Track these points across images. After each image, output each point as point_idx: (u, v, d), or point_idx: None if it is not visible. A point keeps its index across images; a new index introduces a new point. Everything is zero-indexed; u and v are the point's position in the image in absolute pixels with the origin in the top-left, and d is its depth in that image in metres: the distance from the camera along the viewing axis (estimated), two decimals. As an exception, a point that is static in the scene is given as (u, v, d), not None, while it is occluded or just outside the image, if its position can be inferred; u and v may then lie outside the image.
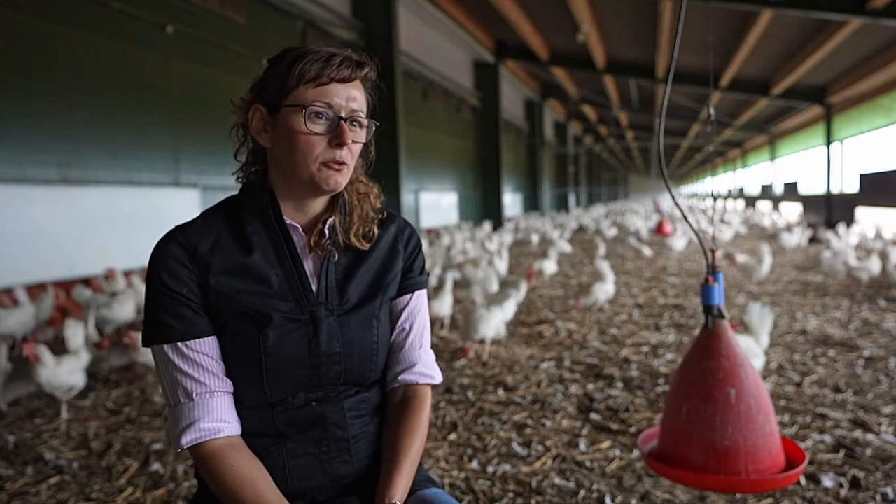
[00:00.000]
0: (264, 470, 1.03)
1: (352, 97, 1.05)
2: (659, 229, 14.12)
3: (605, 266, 6.34)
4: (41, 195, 5.20)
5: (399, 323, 1.19)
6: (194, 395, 1.02)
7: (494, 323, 4.53)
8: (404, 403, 1.16)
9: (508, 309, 4.92)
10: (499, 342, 4.91)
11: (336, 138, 1.03)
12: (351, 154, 1.06)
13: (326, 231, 1.11)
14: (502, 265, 7.60)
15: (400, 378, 1.17)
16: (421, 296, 1.22)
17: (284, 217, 1.09)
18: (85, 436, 3.21)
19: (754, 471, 1.60)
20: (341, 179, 1.06)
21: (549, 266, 7.97)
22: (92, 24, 5.76)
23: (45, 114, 5.35)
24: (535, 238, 12.57)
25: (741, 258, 7.88)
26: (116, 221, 5.89)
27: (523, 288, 5.50)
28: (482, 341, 4.59)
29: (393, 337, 1.18)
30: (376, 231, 1.16)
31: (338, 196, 1.14)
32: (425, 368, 1.19)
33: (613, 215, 23.83)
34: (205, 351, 1.03)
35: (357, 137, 1.07)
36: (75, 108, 5.62)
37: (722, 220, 14.85)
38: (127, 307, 4.71)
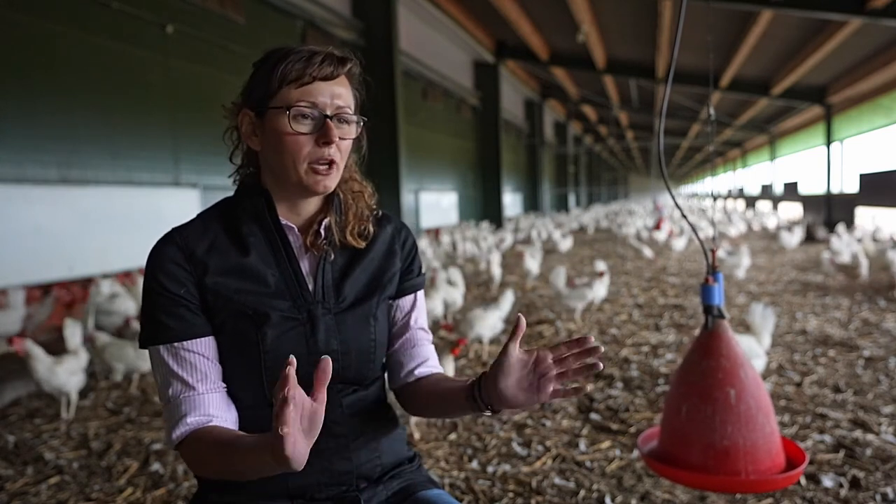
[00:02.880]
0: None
1: (336, 94, 1.05)
2: (657, 226, 14.20)
3: (601, 266, 6.38)
4: (41, 195, 5.20)
5: (410, 323, 1.22)
6: (182, 395, 1.03)
7: (490, 322, 4.55)
8: (431, 376, 1.20)
9: (505, 307, 4.94)
10: (498, 342, 4.91)
11: (323, 137, 1.03)
12: (340, 152, 1.07)
13: (322, 231, 1.12)
14: (496, 270, 7.58)
15: (416, 372, 1.21)
16: (421, 295, 1.26)
17: (280, 218, 1.10)
18: (85, 436, 3.21)
19: (754, 471, 1.59)
20: (329, 183, 1.06)
21: (533, 266, 8.00)
22: (92, 24, 5.76)
23: (45, 114, 5.34)
24: (535, 238, 12.56)
25: (720, 253, 7.93)
26: (116, 221, 5.88)
27: (597, 286, 5.53)
28: (480, 341, 4.60)
29: (406, 336, 1.22)
30: (372, 229, 1.17)
31: (332, 196, 1.14)
32: (436, 361, 1.25)
33: (613, 216, 23.81)
34: (200, 351, 1.04)
35: (345, 134, 1.08)
36: (75, 108, 5.62)
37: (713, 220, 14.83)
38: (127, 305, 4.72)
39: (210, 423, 1.02)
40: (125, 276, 5.69)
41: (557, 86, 19.75)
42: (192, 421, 1.02)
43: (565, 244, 11.65)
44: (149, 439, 3.11)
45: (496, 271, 7.49)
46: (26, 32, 5.20)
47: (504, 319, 4.94)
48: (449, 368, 3.02)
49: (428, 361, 1.23)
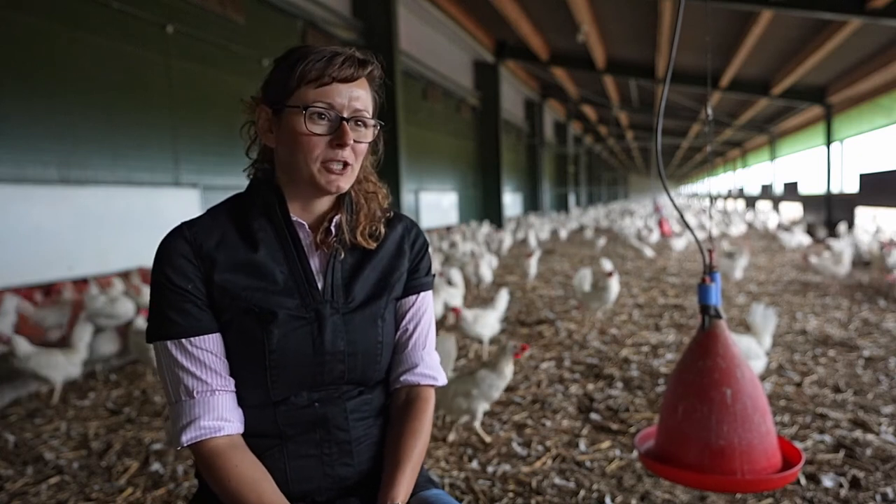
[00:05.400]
0: (266, 472, 1.04)
1: (355, 97, 1.05)
2: (660, 228, 14.22)
3: (586, 273, 6.43)
4: (41, 195, 5.20)
5: (403, 323, 1.18)
6: (195, 392, 1.02)
7: (490, 322, 4.56)
8: (407, 405, 1.16)
9: (501, 307, 4.95)
10: (498, 342, 4.91)
11: (337, 139, 1.03)
12: (354, 154, 1.06)
13: (333, 229, 1.11)
14: (486, 271, 7.53)
15: (402, 379, 1.17)
16: (426, 297, 1.22)
17: (291, 214, 1.09)
18: (85, 436, 3.21)
19: (750, 470, 1.60)
20: (343, 184, 1.06)
21: (531, 267, 8.02)
22: (92, 24, 5.75)
23: (45, 114, 5.34)
24: (532, 239, 12.54)
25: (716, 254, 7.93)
26: (116, 221, 5.88)
27: (614, 286, 5.53)
28: (480, 341, 4.60)
29: (396, 337, 1.18)
30: (383, 230, 1.16)
31: (344, 195, 1.14)
32: (428, 370, 1.19)
33: (613, 215, 23.82)
34: (208, 348, 1.03)
35: (361, 137, 1.07)
36: (75, 108, 5.62)
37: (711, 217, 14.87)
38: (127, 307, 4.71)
39: (224, 433, 1.02)
40: (123, 277, 5.69)
41: (557, 86, 19.73)
42: (207, 425, 1.01)
43: (600, 243, 11.79)
44: (149, 439, 3.12)
45: (486, 272, 7.39)
46: (26, 32, 5.20)
47: (500, 319, 4.94)
48: (508, 370, 2.96)
49: (416, 369, 1.18)
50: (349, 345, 1.08)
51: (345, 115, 1.04)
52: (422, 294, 1.21)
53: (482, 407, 2.96)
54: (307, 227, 1.10)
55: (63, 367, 3.67)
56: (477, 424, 3.02)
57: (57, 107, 5.45)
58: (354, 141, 1.05)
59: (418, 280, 1.20)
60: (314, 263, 1.10)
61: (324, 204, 1.12)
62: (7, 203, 4.93)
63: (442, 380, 1.21)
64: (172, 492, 2.58)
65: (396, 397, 1.18)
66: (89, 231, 5.62)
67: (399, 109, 10.09)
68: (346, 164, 1.05)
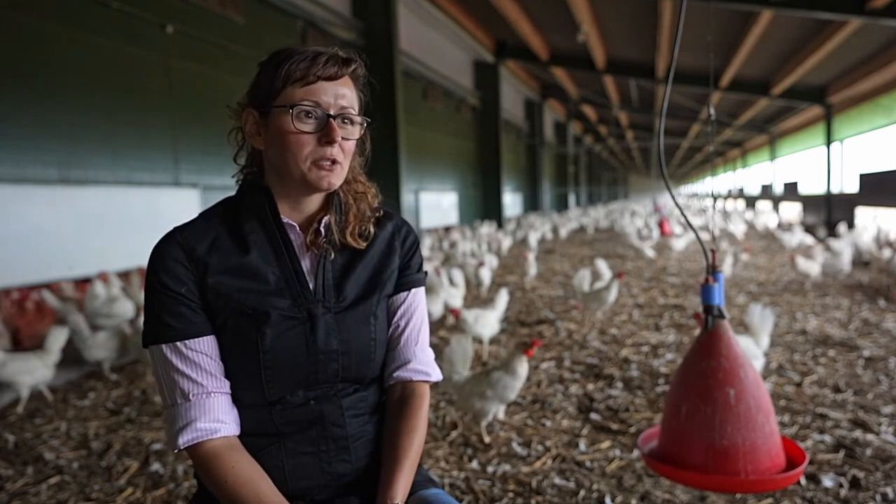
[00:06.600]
0: (263, 472, 1.04)
1: (340, 95, 1.06)
2: (661, 227, 14.21)
3: (586, 273, 6.43)
4: (41, 195, 5.20)
5: (395, 320, 1.19)
6: (191, 395, 1.02)
7: (490, 322, 4.55)
8: (402, 402, 1.16)
9: (500, 307, 4.95)
10: (498, 342, 4.92)
11: (325, 136, 1.04)
12: (343, 152, 1.07)
13: (322, 230, 1.12)
14: (485, 273, 7.51)
15: (395, 375, 1.18)
16: (418, 293, 1.23)
17: (281, 216, 1.10)
18: (85, 436, 3.21)
19: (753, 471, 1.59)
20: (334, 180, 1.07)
21: (530, 266, 8.02)
22: (92, 24, 5.75)
23: (45, 114, 5.33)
24: (532, 239, 12.51)
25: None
26: (116, 221, 5.88)
27: (614, 287, 5.54)
28: (480, 340, 4.60)
29: (388, 334, 1.19)
30: (372, 230, 1.17)
31: (333, 195, 1.14)
32: (421, 366, 1.19)
33: (613, 215, 23.83)
34: (203, 350, 1.04)
35: (349, 135, 1.08)
36: (75, 108, 5.61)
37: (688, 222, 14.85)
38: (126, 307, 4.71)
39: (220, 435, 1.03)
40: (123, 277, 5.68)
41: (557, 86, 19.74)
42: (203, 427, 1.02)
43: (648, 250, 10.79)
44: (149, 439, 3.11)
45: (485, 275, 7.35)
46: (26, 32, 5.20)
47: (500, 319, 4.94)
48: (522, 369, 2.94)
49: (409, 365, 1.18)
50: (342, 343, 1.09)
51: (331, 113, 1.05)
52: (413, 290, 1.21)
53: (495, 408, 2.96)
54: (297, 227, 1.11)
55: (38, 370, 3.65)
56: (484, 424, 3.02)
57: (57, 107, 5.45)
58: (342, 138, 1.06)
59: (410, 277, 1.21)
60: (305, 264, 1.11)
61: (313, 204, 1.13)
62: (7, 203, 4.92)
63: (436, 375, 1.22)
64: (172, 492, 2.58)
65: (391, 394, 1.19)
66: (89, 231, 5.62)
67: (399, 109, 10.09)
68: (334, 162, 1.06)
